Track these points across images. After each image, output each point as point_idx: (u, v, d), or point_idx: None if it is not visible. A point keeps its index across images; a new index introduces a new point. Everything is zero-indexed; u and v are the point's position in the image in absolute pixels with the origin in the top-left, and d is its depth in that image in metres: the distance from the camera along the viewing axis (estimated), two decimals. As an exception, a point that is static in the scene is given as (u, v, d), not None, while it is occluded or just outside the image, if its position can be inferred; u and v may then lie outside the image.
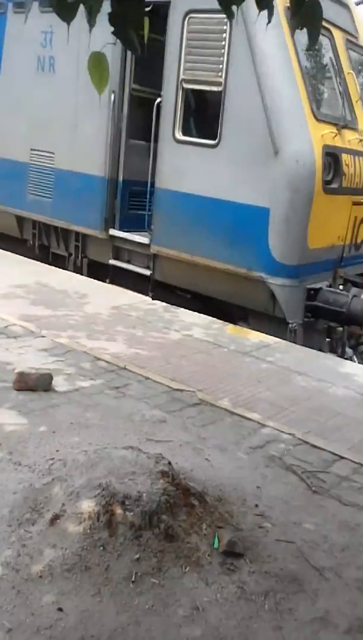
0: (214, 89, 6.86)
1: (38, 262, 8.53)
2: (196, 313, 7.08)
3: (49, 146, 8.51)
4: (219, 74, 6.74)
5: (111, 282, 8.02)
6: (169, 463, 3.27)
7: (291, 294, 6.74)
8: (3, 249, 8.98)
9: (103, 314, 6.55)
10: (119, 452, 3.30)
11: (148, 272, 7.79)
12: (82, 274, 8.32)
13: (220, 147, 6.84)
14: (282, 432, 4.33)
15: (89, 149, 7.99)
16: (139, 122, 7.96)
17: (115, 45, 2.57)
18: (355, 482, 3.80)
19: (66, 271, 8.34)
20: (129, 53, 7.50)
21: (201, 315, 7.00)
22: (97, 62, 2.36)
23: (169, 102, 7.17)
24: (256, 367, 5.55)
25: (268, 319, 6.92)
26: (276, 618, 2.58)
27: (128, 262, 8.08)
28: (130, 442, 3.74)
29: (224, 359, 5.67)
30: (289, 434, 4.31)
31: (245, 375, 5.34)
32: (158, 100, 7.29)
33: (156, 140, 7.38)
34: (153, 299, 7.41)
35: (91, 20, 2.29)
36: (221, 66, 6.72)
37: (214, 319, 6.87)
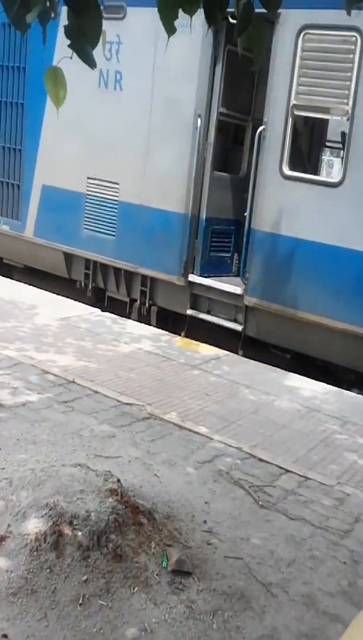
0: (339, 118, 6.06)
1: None
2: (144, 325, 7.05)
3: (111, 175, 7.44)
4: (345, 100, 5.77)
5: (186, 336, 7.03)
6: (118, 480, 3.25)
7: None
8: (45, 290, 7.87)
9: (52, 325, 6.49)
10: (67, 470, 3.27)
11: (239, 327, 6.79)
12: (149, 324, 7.30)
13: (344, 187, 5.91)
14: (230, 445, 4.37)
15: (166, 180, 7.00)
16: (222, 150, 7.26)
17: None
18: (301, 496, 3.87)
19: (13, 281, 8.13)
20: (218, 71, 6.68)
21: (150, 327, 6.98)
22: (53, 76, 2.35)
23: (276, 130, 6.22)
24: (205, 380, 5.59)
25: None
26: (225, 637, 2.59)
27: (208, 312, 7.10)
28: (79, 459, 3.72)
29: (173, 371, 5.68)
30: (236, 447, 4.36)
31: (194, 388, 5.36)
32: (261, 128, 6.39)
33: (255, 175, 6.48)
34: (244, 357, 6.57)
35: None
36: (347, 92, 5.74)
37: (162, 331, 6.87)
